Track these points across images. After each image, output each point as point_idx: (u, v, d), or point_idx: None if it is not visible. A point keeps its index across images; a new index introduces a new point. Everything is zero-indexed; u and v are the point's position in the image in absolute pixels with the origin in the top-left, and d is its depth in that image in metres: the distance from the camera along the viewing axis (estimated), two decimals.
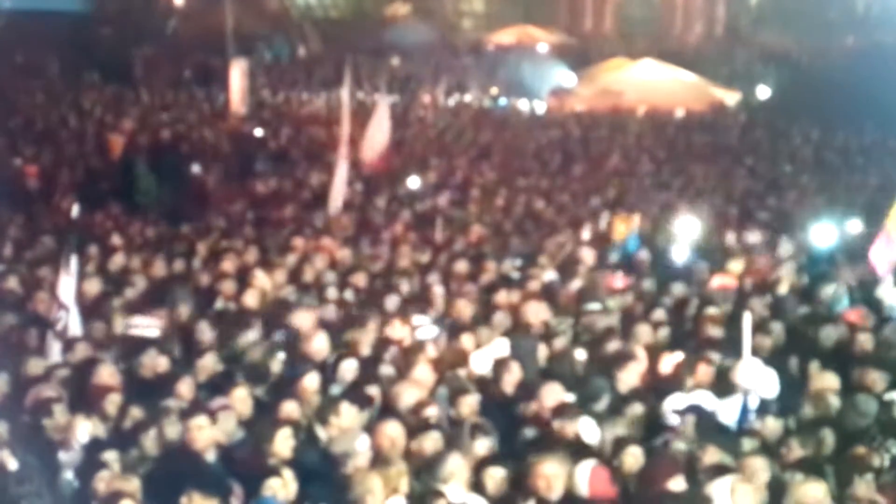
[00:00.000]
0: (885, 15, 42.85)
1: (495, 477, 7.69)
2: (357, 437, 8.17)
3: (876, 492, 7.84)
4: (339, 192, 17.66)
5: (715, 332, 11.54)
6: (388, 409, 8.84)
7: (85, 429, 8.21)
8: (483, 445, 8.23)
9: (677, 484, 7.64)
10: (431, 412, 8.68)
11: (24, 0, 30.71)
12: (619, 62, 36.96)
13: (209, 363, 9.91)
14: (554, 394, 9.08)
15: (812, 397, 9.70)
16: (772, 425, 9.01)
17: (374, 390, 9.31)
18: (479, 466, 7.77)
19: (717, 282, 13.89)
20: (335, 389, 9.54)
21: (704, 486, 7.64)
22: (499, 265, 14.62)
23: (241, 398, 8.84)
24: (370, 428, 8.35)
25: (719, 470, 7.81)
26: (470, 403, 9.01)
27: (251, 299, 12.10)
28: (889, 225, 13.48)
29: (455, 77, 39.21)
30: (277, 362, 10.15)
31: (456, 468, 7.56)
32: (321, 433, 8.51)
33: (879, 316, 12.57)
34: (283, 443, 7.99)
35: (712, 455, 8.14)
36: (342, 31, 45.66)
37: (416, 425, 8.34)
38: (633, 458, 8.13)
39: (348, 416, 8.56)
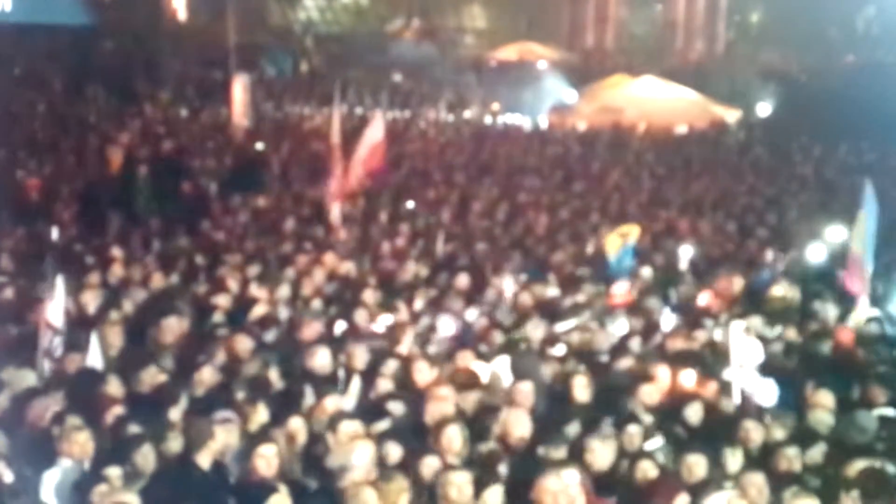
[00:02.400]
0: (886, 34, 42.98)
1: (495, 495, 7.62)
2: (354, 450, 8.09)
3: None
4: (337, 209, 17.71)
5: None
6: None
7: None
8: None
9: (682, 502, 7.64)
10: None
11: (27, 13, 30.60)
12: (619, 79, 36.97)
13: (207, 377, 9.86)
14: (521, 424, 8.90)
15: (806, 413, 9.73)
16: (757, 435, 9.01)
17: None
18: (481, 483, 7.69)
19: (704, 300, 13.91)
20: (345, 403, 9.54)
21: (699, 502, 7.65)
22: (499, 280, 14.65)
23: (298, 428, 8.68)
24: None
25: (713, 485, 7.83)
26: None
27: (260, 311, 12.09)
28: (854, 245, 13.58)
29: (456, 93, 39.25)
30: (276, 376, 10.11)
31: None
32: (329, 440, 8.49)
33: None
34: (267, 460, 7.94)
35: (701, 469, 8.17)
36: (344, 46, 45.73)
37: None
38: (644, 471, 8.14)
39: (350, 429, 8.52)
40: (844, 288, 13.89)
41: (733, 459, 8.63)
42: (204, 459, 8.10)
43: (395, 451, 8.26)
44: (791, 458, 8.45)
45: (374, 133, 18.38)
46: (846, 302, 13.79)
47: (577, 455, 8.32)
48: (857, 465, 8.23)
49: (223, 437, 8.31)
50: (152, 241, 16.86)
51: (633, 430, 8.92)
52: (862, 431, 9.29)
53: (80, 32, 36.03)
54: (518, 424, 8.83)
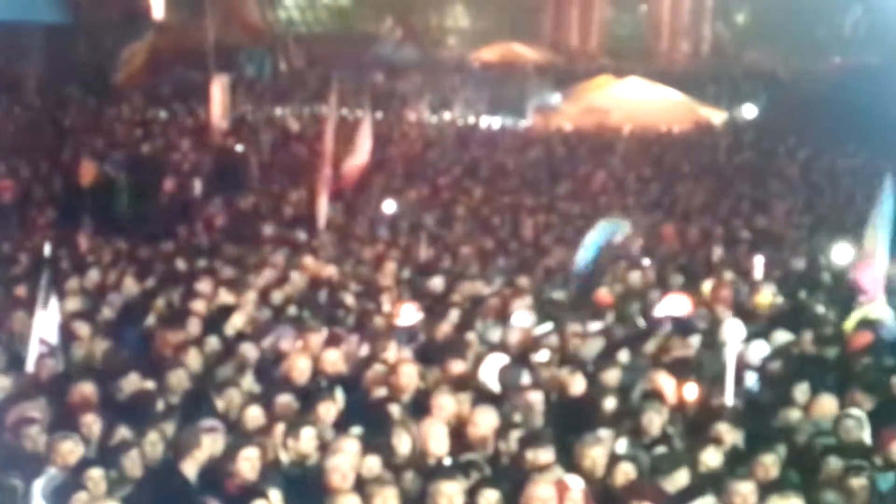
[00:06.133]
0: (872, 35, 42.84)
1: (489, 499, 7.47)
2: (339, 453, 7.93)
3: None
4: (319, 211, 17.49)
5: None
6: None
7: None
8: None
9: None
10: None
11: (0, 11, 30.24)
12: (604, 80, 36.75)
13: (180, 381, 9.75)
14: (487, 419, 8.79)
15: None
16: (730, 437, 8.97)
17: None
18: (474, 489, 7.57)
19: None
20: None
21: None
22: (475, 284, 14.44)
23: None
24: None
25: (693, 492, 7.77)
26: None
27: (238, 321, 11.93)
28: (868, 245, 13.39)
29: (439, 94, 38.94)
30: (249, 382, 10.00)
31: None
32: (282, 456, 8.35)
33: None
34: (251, 462, 7.85)
35: (682, 478, 8.05)
36: (325, 47, 45.40)
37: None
38: (624, 474, 8.05)
39: (307, 438, 8.37)
40: (854, 287, 13.59)
41: (711, 456, 8.52)
42: (189, 468, 8.04)
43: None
44: (768, 466, 8.32)
45: (364, 139, 18.21)
46: (848, 301, 13.58)
47: (571, 461, 8.23)
48: (847, 473, 8.15)
49: (209, 446, 8.21)
50: (132, 246, 16.68)
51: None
52: (818, 433, 9.22)
53: (56, 31, 35.69)
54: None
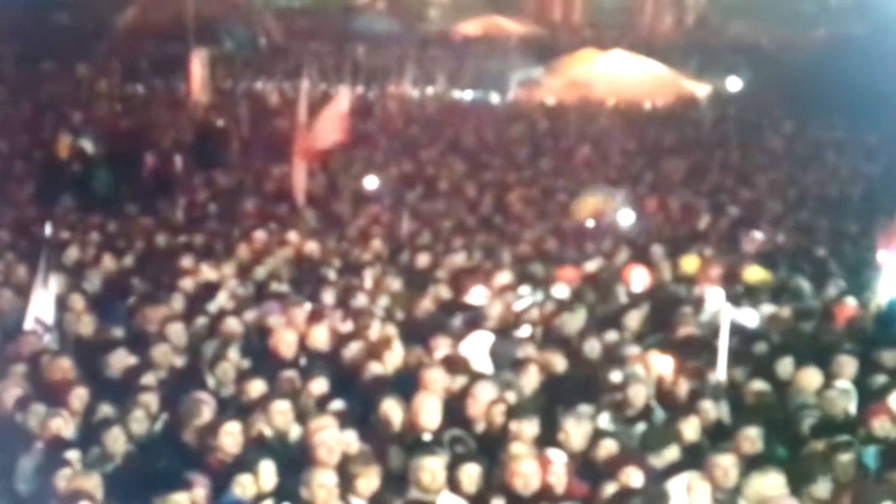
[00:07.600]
0: (858, 6, 42.66)
1: (471, 475, 7.51)
2: (326, 428, 7.92)
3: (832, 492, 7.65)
4: (300, 186, 17.37)
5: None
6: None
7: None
8: None
9: (636, 478, 7.56)
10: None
11: None
12: (588, 53, 36.49)
13: (165, 356, 9.79)
14: (485, 392, 8.77)
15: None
16: (714, 414, 9.04)
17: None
18: (455, 464, 7.60)
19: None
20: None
21: (662, 483, 7.65)
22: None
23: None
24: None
25: (676, 467, 7.88)
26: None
27: (223, 298, 11.96)
28: None
29: (421, 68, 38.67)
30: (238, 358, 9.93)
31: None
32: (265, 430, 8.34)
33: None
34: (234, 437, 7.87)
35: (671, 453, 8.12)
36: (305, 20, 45.10)
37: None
38: (606, 449, 8.09)
39: (281, 414, 8.37)
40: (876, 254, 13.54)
41: (689, 428, 8.60)
42: (188, 436, 8.26)
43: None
44: (752, 440, 8.34)
45: (340, 105, 18.03)
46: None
47: (551, 436, 8.26)
48: (827, 448, 8.18)
49: (206, 415, 8.33)
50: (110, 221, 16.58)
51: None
52: (801, 407, 9.27)
53: (34, 4, 35.41)
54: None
